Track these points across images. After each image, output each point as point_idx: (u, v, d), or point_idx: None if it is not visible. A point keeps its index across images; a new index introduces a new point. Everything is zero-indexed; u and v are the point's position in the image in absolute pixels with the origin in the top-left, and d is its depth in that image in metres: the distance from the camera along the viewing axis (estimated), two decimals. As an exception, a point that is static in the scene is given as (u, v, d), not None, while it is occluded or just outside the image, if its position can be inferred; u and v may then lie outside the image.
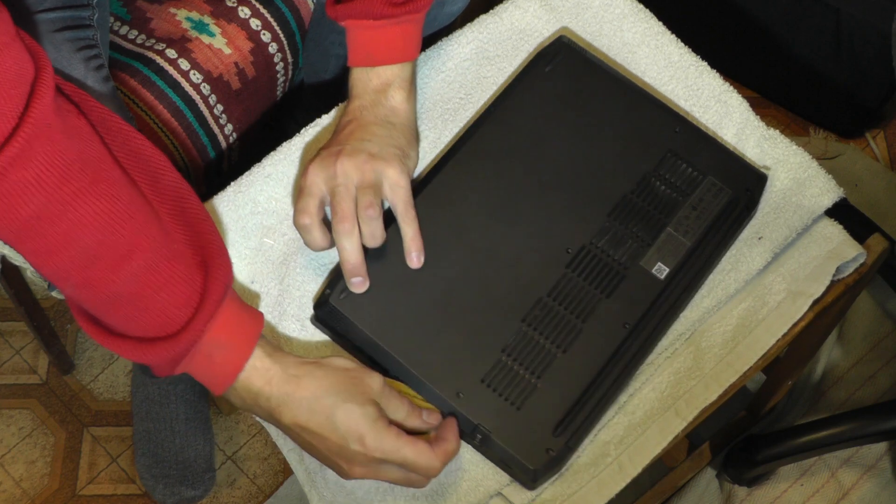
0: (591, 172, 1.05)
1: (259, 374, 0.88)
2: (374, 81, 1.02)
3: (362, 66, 1.03)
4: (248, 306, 0.90)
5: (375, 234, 0.98)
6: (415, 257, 0.99)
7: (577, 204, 1.03)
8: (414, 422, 0.92)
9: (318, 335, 1.01)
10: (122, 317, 0.85)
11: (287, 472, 1.58)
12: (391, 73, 1.02)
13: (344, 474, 0.90)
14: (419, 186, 1.03)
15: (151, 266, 0.83)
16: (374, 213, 0.97)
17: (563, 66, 1.09)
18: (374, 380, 0.90)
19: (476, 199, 1.03)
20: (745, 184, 1.05)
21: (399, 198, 0.98)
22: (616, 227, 1.02)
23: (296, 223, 0.98)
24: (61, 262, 0.81)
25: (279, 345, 0.99)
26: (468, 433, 0.95)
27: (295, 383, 0.88)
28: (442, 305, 0.98)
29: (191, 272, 0.85)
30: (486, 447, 0.95)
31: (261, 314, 0.91)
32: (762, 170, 1.08)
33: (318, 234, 0.98)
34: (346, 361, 0.91)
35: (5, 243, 0.82)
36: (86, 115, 0.83)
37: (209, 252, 0.87)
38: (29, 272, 1.30)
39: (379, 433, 0.88)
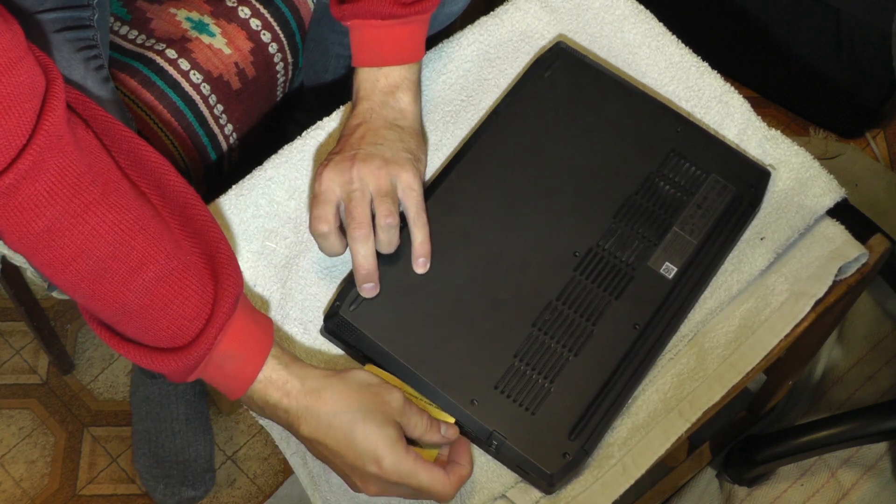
0: (594, 175, 1.05)
1: (275, 386, 0.88)
2: (381, 82, 1.02)
3: (369, 66, 1.03)
4: (258, 315, 0.90)
5: (392, 242, 0.98)
6: (422, 262, 0.99)
7: (583, 207, 1.03)
8: (433, 437, 0.92)
9: (320, 338, 1.01)
10: (133, 328, 0.85)
11: (287, 472, 1.58)
12: (399, 75, 1.02)
13: (356, 489, 0.90)
14: (425, 193, 1.03)
15: (163, 278, 0.83)
16: (393, 221, 0.97)
17: (561, 71, 1.10)
18: (395, 397, 0.90)
19: (481, 207, 1.03)
20: (749, 180, 1.06)
21: (411, 201, 0.99)
22: (622, 229, 1.02)
23: (312, 230, 0.98)
24: (73, 274, 0.81)
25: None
26: (484, 440, 0.95)
27: (315, 397, 0.88)
28: (452, 313, 0.98)
29: (202, 283, 0.85)
30: (502, 453, 0.95)
31: (270, 322, 0.91)
32: (765, 166, 1.08)
33: (335, 241, 0.98)
34: (367, 375, 0.91)
35: (18, 253, 0.82)
36: (90, 125, 0.83)
37: (218, 261, 0.87)
38: (29, 272, 1.30)
39: (397, 457, 0.87)
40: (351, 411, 0.87)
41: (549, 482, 0.94)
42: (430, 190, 1.04)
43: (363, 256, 0.97)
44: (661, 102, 1.10)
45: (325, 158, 1.01)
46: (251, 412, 0.94)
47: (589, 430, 0.94)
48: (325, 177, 0.98)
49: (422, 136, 1.04)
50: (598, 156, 1.06)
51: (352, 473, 0.89)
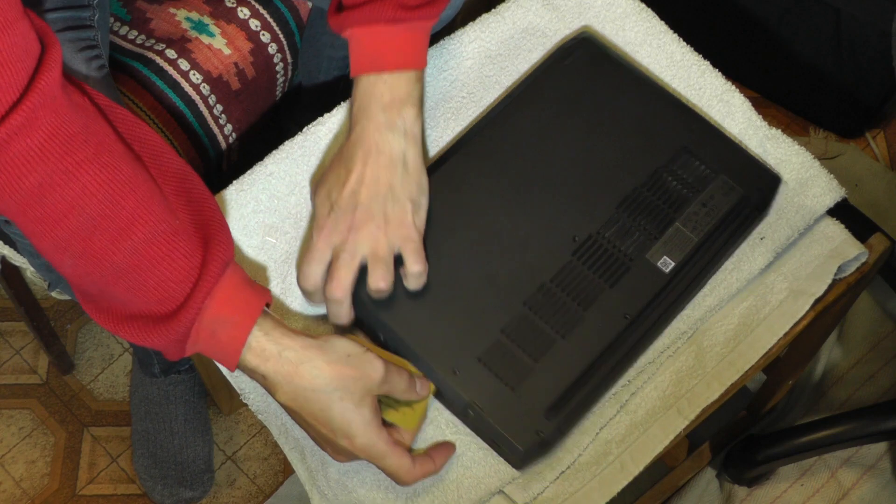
0: (603, 164, 1.05)
1: (254, 353, 0.88)
2: (386, 97, 0.98)
3: (370, 72, 0.99)
4: (253, 283, 0.90)
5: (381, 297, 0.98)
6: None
7: (588, 194, 1.03)
8: (410, 396, 0.93)
9: (321, 332, 1.01)
10: (122, 289, 0.85)
11: (287, 471, 1.58)
12: (404, 91, 0.98)
13: (327, 453, 0.93)
14: (434, 166, 1.04)
15: (152, 239, 0.84)
16: (385, 286, 0.96)
17: (582, 60, 1.10)
18: (376, 368, 0.90)
19: (488, 183, 1.03)
20: (758, 184, 1.05)
21: (409, 251, 0.97)
22: (624, 219, 1.02)
23: (299, 285, 0.99)
24: (63, 232, 0.82)
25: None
26: (460, 410, 0.96)
27: (293, 368, 0.88)
28: (445, 283, 0.99)
29: (191, 248, 0.85)
30: (477, 425, 0.96)
31: (267, 290, 0.91)
32: (777, 172, 1.07)
33: (319, 299, 0.99)
34: (348, 344, 0.90)
35: (8, 218, 0.83)
36: (91, 98, 0.84)
37: (211, 229, 0.88)
38: (29, 272, 1.30)
39: (370, 438, 0.89)
40: (330, 390, 0.88)
41: (519, 458, 0.94)
42: (440, 163, 1.04)
43: (340, 317, 0.98)
44: (679, 100, 1.09)
45: (324, 194, 0.99)
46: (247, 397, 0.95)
47: (566, 412, 0.95)
48: (323, 235, 0.97)
49: (424, 175, 1.00)
50: (609, 145, 1.06)
51: (324, 443, 0.91)
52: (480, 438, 0.97)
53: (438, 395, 0.97)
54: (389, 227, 0.97)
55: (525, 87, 1.09)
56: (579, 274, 1.00)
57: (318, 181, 1.01)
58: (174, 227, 0.85)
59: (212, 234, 0.87)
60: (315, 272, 0.97)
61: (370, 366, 0.90)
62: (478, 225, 1.01)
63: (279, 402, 0.90)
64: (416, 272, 0.97)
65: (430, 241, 1.00)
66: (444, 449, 0.95)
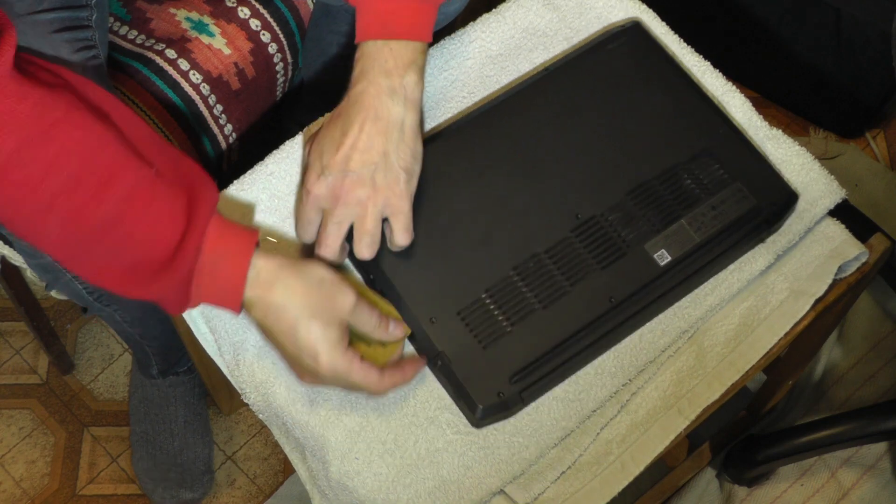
0: (622, 150, 1.06)
1: None
2: (389, 63, 0.97)
3: (375, 38, 0.97)
4: (238, 224, 0.91)
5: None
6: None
7: (601, 175, 1.04)
8: (381, 334, 0.94)
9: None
10: (115, 244, 0.86)
11: (287, 471, 1.58)
12: (408, 58, 0.98)
13: (295, 374, 0.94)
14: (455, 126, 1.05)
15: (136, 187, 0.85)
16: (369, 256, 0.98)
17: (626, 48, 1.11)
18: (347, 297, 0.91)
19: (505, 147, 1.04)
20: (773, 198, 1.05)
21: (398, 224, 0.98)
22: (631, 207, 1.03)
23: (297, 230, 1.00)
24: (48, 191, 0.83)
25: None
26: (430, 357, 0.97)
27: (268, 287, 0.89)
28: (441, 235, 1.00)
29: (175, 193, 0.87)
30: (443, 375, 0.97)
31: (255, 228, 0.92)
32: (796, 190, 1.06)
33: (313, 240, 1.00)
34: (323, 271, 0.92)
35: None
36: (58, 74, 0.85)
37: (193, 178, 0.89)
38: (29, 272, 1.30)
39: (334, 356, 0.90)
40: (299, 308, 0.89)
41: (478, 415, 0.95)
42: (461, 123, 1.06)
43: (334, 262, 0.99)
44: (713, 103, 1.10)
45: (317, 154, 0.98)
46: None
47: (530, 381, 0.96)
48: (311, 198, 0.97)
49: (419, 143, 1.00)
50: (632, 134, 1.06)
51: (291, 362, 0.93)
52: (444, 390, 0.98)
53: (412, 338, 0.98)
54: (379, 195, 0.97)
55: (563, 64, 1.10)
56: (574, 251, 1.00)
57: (314, 137, 1.01)
58: (153, 177, 0.86)
59: (194, 183, 0.89)
60: (309, 233, 0.99)
61: (341, 294, 0.91)
62: (485, 186, 1.03)
63: (252, 319, 0.92)
64: (400, 244, 0.98)
65: (435, 193, 1.01)
66: (414, 361, 0.96)
